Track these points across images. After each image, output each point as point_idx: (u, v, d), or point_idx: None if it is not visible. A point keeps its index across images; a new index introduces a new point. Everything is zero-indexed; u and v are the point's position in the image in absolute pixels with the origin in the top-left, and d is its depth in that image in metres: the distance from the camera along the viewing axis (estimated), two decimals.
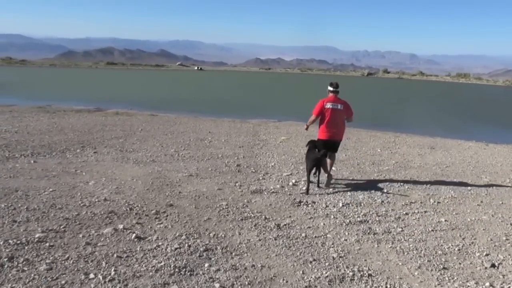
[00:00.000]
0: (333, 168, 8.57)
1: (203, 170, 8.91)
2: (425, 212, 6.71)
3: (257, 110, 26.35)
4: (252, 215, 6.25)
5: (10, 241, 4.93)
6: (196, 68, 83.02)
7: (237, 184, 7.83)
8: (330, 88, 7.99)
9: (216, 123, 19.06)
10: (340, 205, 6.82)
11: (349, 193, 7.54)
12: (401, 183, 8.40)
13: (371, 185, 8.17)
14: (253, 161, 10.16)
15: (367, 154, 11.67)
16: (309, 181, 7.58)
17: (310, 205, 6.82)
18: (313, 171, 7.78)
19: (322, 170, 7.88)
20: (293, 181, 8.29)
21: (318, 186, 7.88)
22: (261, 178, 8.47)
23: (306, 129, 8.36)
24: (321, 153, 7.50)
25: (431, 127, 22.69)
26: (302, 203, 6.86)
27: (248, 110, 26.10)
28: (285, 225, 5.92)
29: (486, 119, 27.19)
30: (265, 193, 7.34)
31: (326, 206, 6.77)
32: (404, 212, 6.67)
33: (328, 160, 8.00)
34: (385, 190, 7.80)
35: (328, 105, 7.78)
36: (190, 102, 31.11)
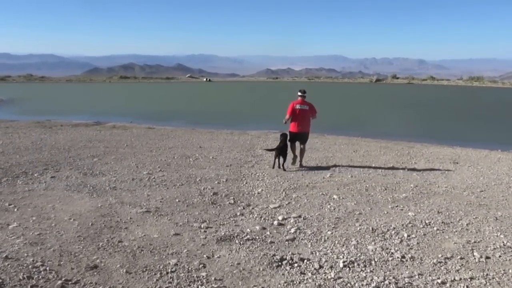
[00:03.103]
0: (304, 159, 10.34)
1: (168, 202, 6.71)
2: (471, 279, 4.28)
3: (258, 120, 24.27)
4: (208, 287, 4.02)
5: None
6: (205, 79, 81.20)
7: (203, 226, 5.58)
8: (299, 93, 9.94)
9: (213, 135, 16.99)
10: (341, 265, 4.49)
11: (354, 241, 5.21)
12: (427, 222, 5.96)
13: (384, 225, 5.84)
14: (237, 186, 7.93)
15: (378, 174, 9.33)
16: (274, 164, 9.64)
17: (295, 264, 4.51)
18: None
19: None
20: (280, 218, 6.03)
21: (284, 169, 9.49)
22: (238, 213, 6.23)
23: (285, 123, 9.94)
24: (282, 144, 9.56)
25: (448, 134, 20.25)
26: (284, 261, 4.55)
27: (249, 121, 24.06)
28: None
29: (507, 124, 24.56)
30: (237, 241, 5.08)
31: (320, 267, 4.44)
32: (439, 280, 4.18)
33: (300, 149, 10.07)
34: (405, 235, 5.43)
35: (297, 106, 9.74)
36: (192, 114, 29.24)
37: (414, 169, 10.01)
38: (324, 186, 8.04)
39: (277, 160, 9.63)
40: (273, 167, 9.55)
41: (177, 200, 6.77)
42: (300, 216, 6.10)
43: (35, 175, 8.35)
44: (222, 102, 40.08)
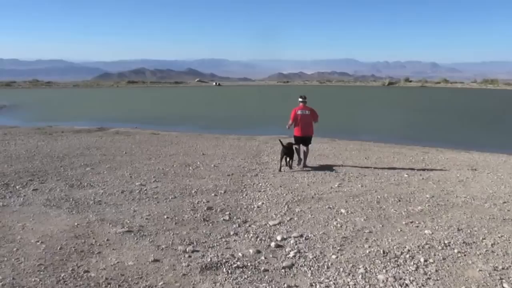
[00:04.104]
0: (308, 162, 10.62)
1: (155, 218, 6.00)
2: None
3: (267, 124, 23.60)
4: None
5: None
6: (214, 83, 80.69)
7: (188, 249, 4.84)
8: (300, 99, 10.38)
9: (219, 141, 16.32)
10: None
11: (361, 268, 4.41)
12: (446, 242, 5.10)
13: (397, 246, 5.04)
14: (235, 199, 7.20)
15: (390, 183, 8.51)
16: (280, 166, 9.92)
17: None
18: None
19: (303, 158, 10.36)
20: (279, 238, 5.27)
21: (290, 167, 10.04)
22: (232, 232, 5.49)
23: (288, 128, 10.38)
24: (288, 146, 9.93)
25: (464, 138, 19.32)
26: None
27: (257, 125, 23.42)
28: None
29: None
30: (224, 270, 4.32)
31: None
32: None
33: (303, 152, 10.33)
34: (421, 260, 4.62)
35: (299, 112, 10.16)
36: (199, 118, 28.76)
37: (429, 177, 9.17)
38: (331, 197, 7.27)
39: (283, 162, 10.02)
40: (280, 170, 9.78)
41: (165, 217, 6.05)
42: (302, 236, 5.34)
43: (17, 187, 7.72)
44: (230, 106, 39.53)
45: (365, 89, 70.28)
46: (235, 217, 6.10)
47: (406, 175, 9.34)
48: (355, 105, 42.17)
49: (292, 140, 10.43)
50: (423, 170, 10.19)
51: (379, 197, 7.27)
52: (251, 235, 5.39)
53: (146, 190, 7.72)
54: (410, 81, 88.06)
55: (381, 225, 5.76)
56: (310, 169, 10.16)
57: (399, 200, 7.05)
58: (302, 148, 10.37)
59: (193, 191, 7.62)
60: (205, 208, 6.50)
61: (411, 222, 5.88)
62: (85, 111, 34.45)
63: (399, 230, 5.58)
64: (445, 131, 22.62)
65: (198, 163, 10.84)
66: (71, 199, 6.95)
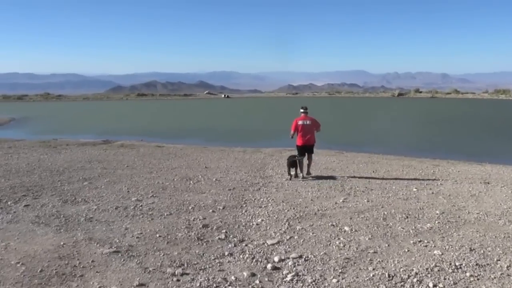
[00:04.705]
0: (311, 171, 10.86)
1: (147, 237, 5.67)
2: None
3: (273, 136, 23.28)
4: None
5: None
6: (223, 96, 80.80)
7: (177, 272, 4.50)
8: (301, 110, 10.62)
9: (224, 154, 16.05)
10: None
11: None
12: (457, 264, 4.67)
13: (404, 269, 4.65)
14: (233, 215, 6.85)
15: (398, 198, 8.10)
16: (289, 175, 10.30)
17: None
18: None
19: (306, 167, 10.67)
20: (276, 259, 4.91)
21: (296, 176, 10.29)
22: (227, 253, 5.13)
23: (291, 138, 10.72)
24: (296, 156, 10.32)
25: (476, 150, 18.81)
26: None
27: (264, 137, 23.13)
28: None
29: None
30: None
31: None
32: None
33: (306, 161, 10.60)
34: (430, 285, 4.19)
35: (300, 122, 10.45)
36: (206, 131, 28.58)
37: (440, 192, 8.75)
38: (335, 214, 6.89)
39: (291, 170, 10.33)
40: (290, 179, 10.18)
41: (157, 235, 5.72)
42: (301, 257, 4.98)
43: (9, 203, 7.46)
44: (238, 118, 39.36)
45: (374, 100, 69.82)
46: (231, 236, 5.75)
47: (415, 189, 8.92)
48: (363, 116, 41.72)
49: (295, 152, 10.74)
50: (433, 183, 9.77)
51: (385, 213, 6.87)
52: (247, 255, 5.04)
53: (141, 206, 7.41)
54: (420, 92, 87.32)
55: (387, 245, 5.36)
56: (314, 181, 9.86)
57: (407, 217, 6.64)
58: (305, 159, 10.60)
59: (190, 207, 7.29)
60: (201, 226, 6.16)
61: (420, 241, 5.48)
62: (92, 124, 34.46)
63: (406, 250, 5.18)
64: (456, 143, 22.12)
65: (200, 176, 10.54)
66: (61, 216, 6.67)
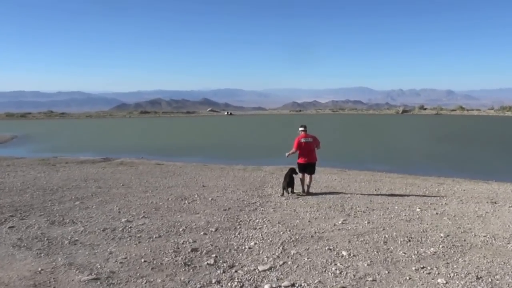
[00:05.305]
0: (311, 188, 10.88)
1: (131, 262, 5.32)
2: None
3: (275, 154, 22.94)
4: None
5: None
6: (226, 113, 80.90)
7: None
8: (301, 129, 10.66)
9: (223, 172, 15.75)
10: None
11: None
12: None
13: None
14: (226, 238, 6.49)
15: (400, 219, 7.71)
16: (283, 192, 10.39)
17: None
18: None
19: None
20: (267, 287, 4.56)
21: (293, 192, 10.47)
22: (214, 280, 4.77)
23: (287, 156, 10.62)
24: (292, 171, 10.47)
25: (482, 167, 18.40)
26: None
27: (265, 155, 22.80)
28: None
29: None
30: None
31: None
32: None
33: (307, 179, 10.62)
34: None
35: (302, 140, 10.45)
36: (208, 148, 28.33)
37: (444, 212, 8.37)
38: (333, 236, 6.52)
39: (286, 189, 10.41)
40: (283, 194, 10.36)
41: (142, 260, 5.37)
42: (293, 285, 4.62)
43: None
44: (240, 136, 39.16)
45: (378, 117, 69.55)
46: (221, 261, 5.40)
47: (418, 210, 8.54)
48: (367, 133, 41.38)
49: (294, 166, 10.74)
50: (438, 203, 9.38)
51: (386, 236, 6.50)
52: (235, 283, 4.68)
53: (130, 227, 7.08)
54: (425, 109, 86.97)
55: (386, 272, 4.98)
56: (314, 200, 9.50)
57: (410, 240, 6.26)
58: (306, 178, 10.62)
59: (181, 229, 6.95)
60: (189, 250, 5.81)
61: (422, 268, 5.10)
62: (94, 142, 34.31)
63: (407, 278, 4.80)
64: (461, 160, 21.70)
65: (196, 196, 10.23)
66: (45, 239, 6.34)
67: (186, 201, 9.51)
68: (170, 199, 9.81)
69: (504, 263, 5.29)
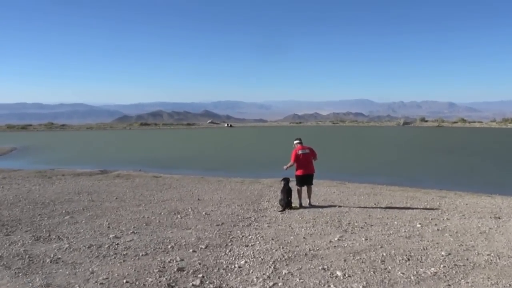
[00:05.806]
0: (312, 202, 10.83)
1: (112, 283, 4.99)
2: None
3: (273, 166, 22.67)
4: None
5: None
6: (226, 125, 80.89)
7: None
8: (296, 141, 10.61)
9: (220, 184, 15.47)
10: None
11: None
12: None
13: None
14: (215, 256, 6.16)
15: (399, 236, 7.38)
16: (283, 208, 10.02)
17: None
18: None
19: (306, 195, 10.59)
20: None
21: (291, 208, 10.13)
22: None
23: (285, 169, 10.40)
24: (287, 182, 10.48)
25: (485, 180, 18.06)
26: None
27: (264, 167, 22.49)
28: None
29: None
30: None
31: None
32: None
33: (306, 191, 10.60)
34: None
35: (300, 152, 10.36)
36: (206, 160, 28.04)
37: (446, 228, 8.03)
38: (327, 255, 6.19)
39: (287, 207, 10.12)
40: (283, 210, 9.96)
41: (124, 281, 5.05)
42: None
43: None
44: (239, 148, 38.94)
45: (379, 129, 69.28)
46: (207, 282, 5.08)
47: (419, 225, 8.21)
48: (368, 145, 41.07)
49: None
50: (439, 218, 9.05)
51: (384, 254, 6.16)
52: None
53: (117, 244, 6.77)
54: (426, 121, 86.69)
55: None
56: (310, 215, 9.17)
57: (409, 259, 5.93)
58: (304, 190, 10.62)
59: (169, 246, 6.63)
60: (175, 269, 5.49)
61: None
62: (93, 154, 34.08)
63: None
64: (464, 173, 21.35)
65: (190, 210, 9.94)
66: (27, 257, 6.03)
67: (178, 216, 9.22)
68: (162, 213, 9.52)
69: (510, 285, 4.95)
